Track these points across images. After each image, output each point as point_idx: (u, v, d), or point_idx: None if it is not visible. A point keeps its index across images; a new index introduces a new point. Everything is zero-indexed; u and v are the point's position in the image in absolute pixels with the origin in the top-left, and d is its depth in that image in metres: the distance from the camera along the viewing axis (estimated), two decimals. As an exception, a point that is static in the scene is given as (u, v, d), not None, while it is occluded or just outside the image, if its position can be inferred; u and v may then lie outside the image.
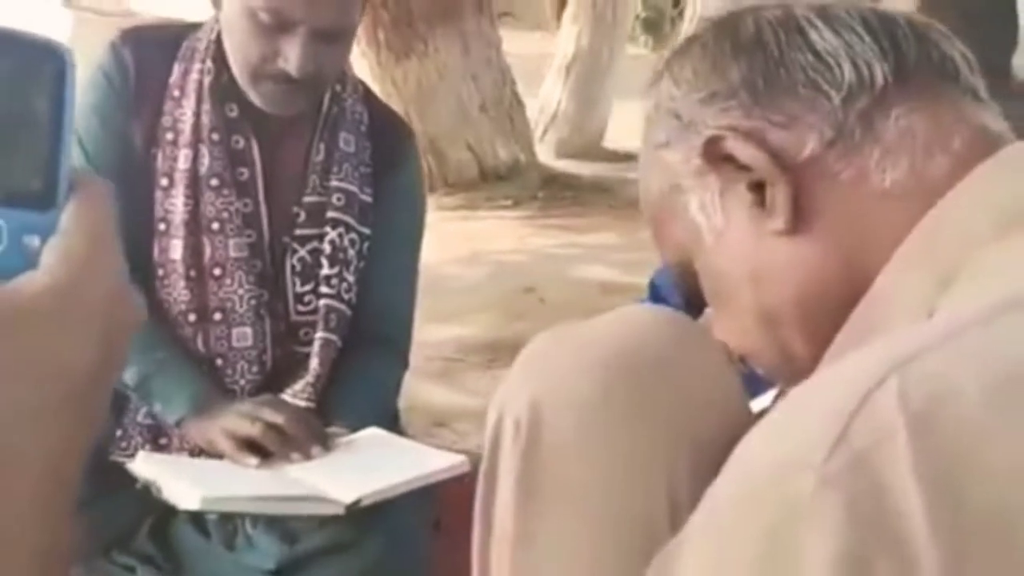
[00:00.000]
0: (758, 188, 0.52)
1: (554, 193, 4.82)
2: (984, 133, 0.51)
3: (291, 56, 1.08)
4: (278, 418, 1.10)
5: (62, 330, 0.33)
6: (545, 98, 6.15)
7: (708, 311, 0.62)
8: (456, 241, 3.77)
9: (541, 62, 6.50)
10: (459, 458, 1.08)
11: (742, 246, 0.54)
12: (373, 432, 1.15)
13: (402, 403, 1.37)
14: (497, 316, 3.02)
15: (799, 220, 0.51)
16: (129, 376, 1.14)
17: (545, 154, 5.58)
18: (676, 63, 0.57)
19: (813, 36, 0.52)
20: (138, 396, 1.17)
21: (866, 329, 0.48)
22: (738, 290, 0.55)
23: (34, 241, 0.34)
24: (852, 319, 0.49)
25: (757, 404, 0.64)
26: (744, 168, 0.52)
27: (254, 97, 1.14)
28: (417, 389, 2.04)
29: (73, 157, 0.35)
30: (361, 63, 4.24)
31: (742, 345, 0.57)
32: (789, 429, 0.37)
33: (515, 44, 6.23)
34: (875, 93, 0.50)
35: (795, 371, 0.54)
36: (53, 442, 0.33)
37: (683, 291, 0.60)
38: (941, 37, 0.53)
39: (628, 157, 6.08)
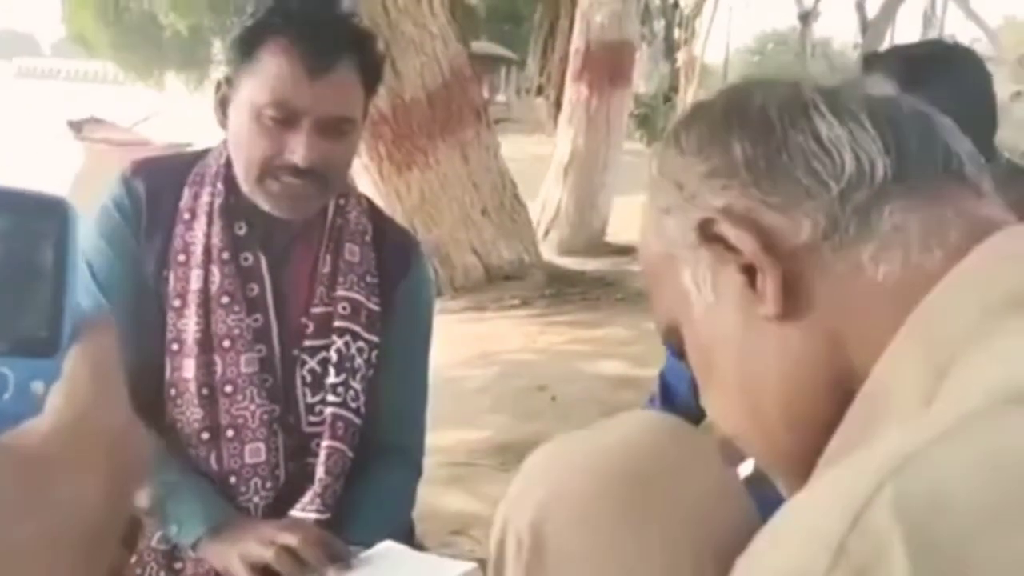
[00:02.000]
0: (750, 271, 0.52)
1: (560, 290, 4.86)
2: (986, 224, 0.50)
3: (297, 148, 1.12)
4: (292, 540, 1.09)
5: (70, 471, 0.34)
6: (546, 198, 6.28)
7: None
8: (465, 343, 3.78)
9: (540, 164, 6.66)
10: (471, 566, 1.07)
11: (730, 324, 0.53)
12: (387, 546, 1.14)
13: (416, 512, 1.35)
14: (509, 417, 3.00)
15: (790, 306, 0.50)
16: (143, 499, 1.13)
17: (549, 253, 5.66)
18: (683, 131, 0.57)
19: (818, 122, 0.52)
20: (153, 519, 1.16)
21: (865, 424, 0.47)
22: (722, 367, 0.55)
23: (39, 387, 0.35)
24: (850, 415, 0.48)
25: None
26: (736, 250, 0.52)
27: (262, 201, 1.17)
28: (431, 497, 2.01)
29: (79, 296, 0.36)
30: (363, 177, 4.36)
31: (725, 423, 0.57)
32: (788, 544, 0.37)
33: (514, 148, 6.40)
34: (874, 187, 0.50)
35: (776, 456, 0.54)
36: (65, 574, 0.34)
37: (673, 352, 0.59)
38: (947, 132, 0.53)
39: (631, 251, 6.15)
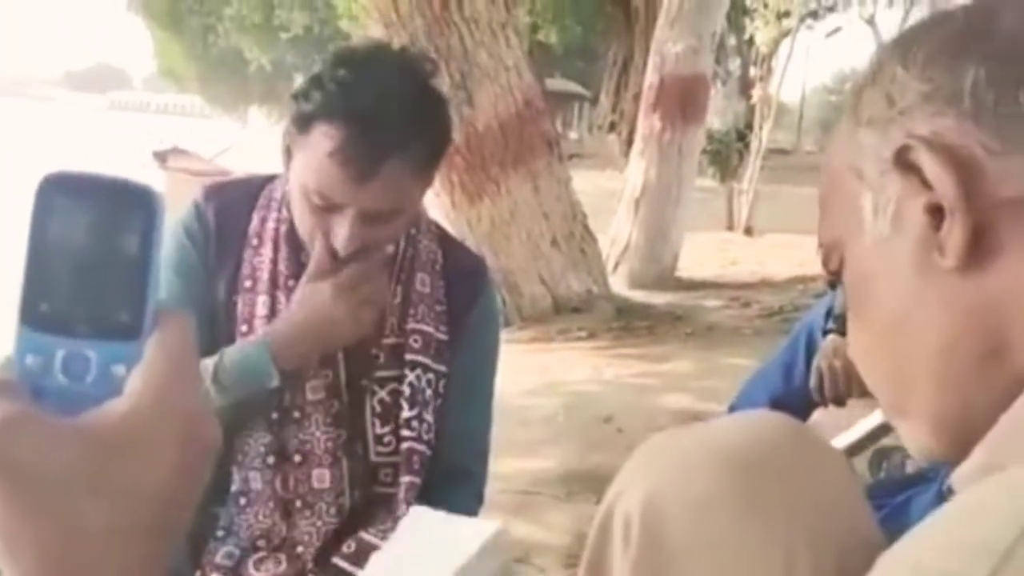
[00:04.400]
0: (937, 212, 0.46)
1: (628, 323, 4.81)
2: None
3: (339, 233, 1.09)
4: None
5: (144, 453, 0.35)
6: (616, 231, 6.25)
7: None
8: (531, 373, 3.77)
9: (611, 199, 6.65)
10: (494, 528, 1.03)
11: (899, 264, 0.48)
12: (417, 510, 1.10)
13: (479, 538, 1.34)
14: (574, 448, 2.97)
15: (971, 261, 0.45)
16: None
17: (618, 285, 5.62)
18: (913, 42, 0.50)
19: None
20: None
21: None
22: (877, 304, 0.50)
23: (121, 370, 0.36)
24: (1019, 408, 0.43)
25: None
26: (929, 187, 0.46)
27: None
28: (494, 524, 2.00)
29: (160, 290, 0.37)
30: (436, 205, 4.41)
31: (861, 357, 0.53)
32: (952, 545, 0.35)
33: (585, 183, 6.40)
34: None
35: (906, 404, 0.50)
36: (133, 561, 0.34)
37: (826, 271, 0.55)
38: None
39: (701, 286, 6.08)
